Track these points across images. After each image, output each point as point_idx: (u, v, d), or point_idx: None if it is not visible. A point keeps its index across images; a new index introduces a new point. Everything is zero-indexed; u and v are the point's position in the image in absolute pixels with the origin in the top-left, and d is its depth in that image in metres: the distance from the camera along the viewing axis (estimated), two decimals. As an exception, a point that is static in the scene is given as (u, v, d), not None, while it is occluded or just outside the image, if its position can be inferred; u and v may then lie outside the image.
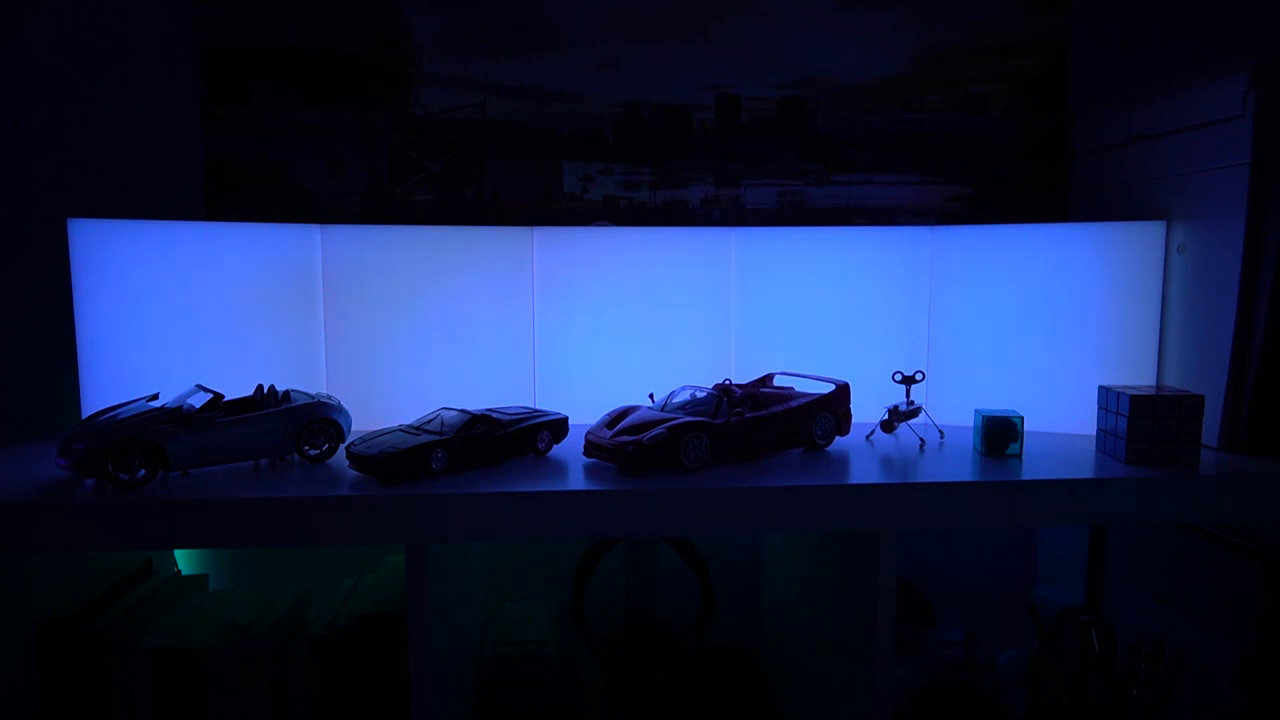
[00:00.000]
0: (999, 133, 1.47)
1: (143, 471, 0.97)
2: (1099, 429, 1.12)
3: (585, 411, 1.19)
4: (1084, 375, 1.20)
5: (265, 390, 1.10)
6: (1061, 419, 1.21)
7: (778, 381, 1.23)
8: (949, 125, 1.47)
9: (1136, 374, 1.20)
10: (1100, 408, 1.11)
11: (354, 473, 1.02)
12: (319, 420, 1.08)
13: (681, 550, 1.30)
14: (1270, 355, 1.06)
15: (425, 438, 1.02)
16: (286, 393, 1.10)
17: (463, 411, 1.08)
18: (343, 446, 1.07)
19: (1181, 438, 1.03)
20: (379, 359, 1.24)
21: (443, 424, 1.06)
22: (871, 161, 1.47)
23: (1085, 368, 1.20)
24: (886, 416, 1.18)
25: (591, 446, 1.06)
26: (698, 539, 1.32)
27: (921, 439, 1.18)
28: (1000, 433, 1.10)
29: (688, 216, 1.46)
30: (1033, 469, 1.04)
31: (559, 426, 1.13)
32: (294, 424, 1.07)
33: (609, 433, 1.06)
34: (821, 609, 1.18)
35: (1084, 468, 1.04)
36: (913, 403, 1.18)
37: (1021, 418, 1.10)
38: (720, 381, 1.17)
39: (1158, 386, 1.14)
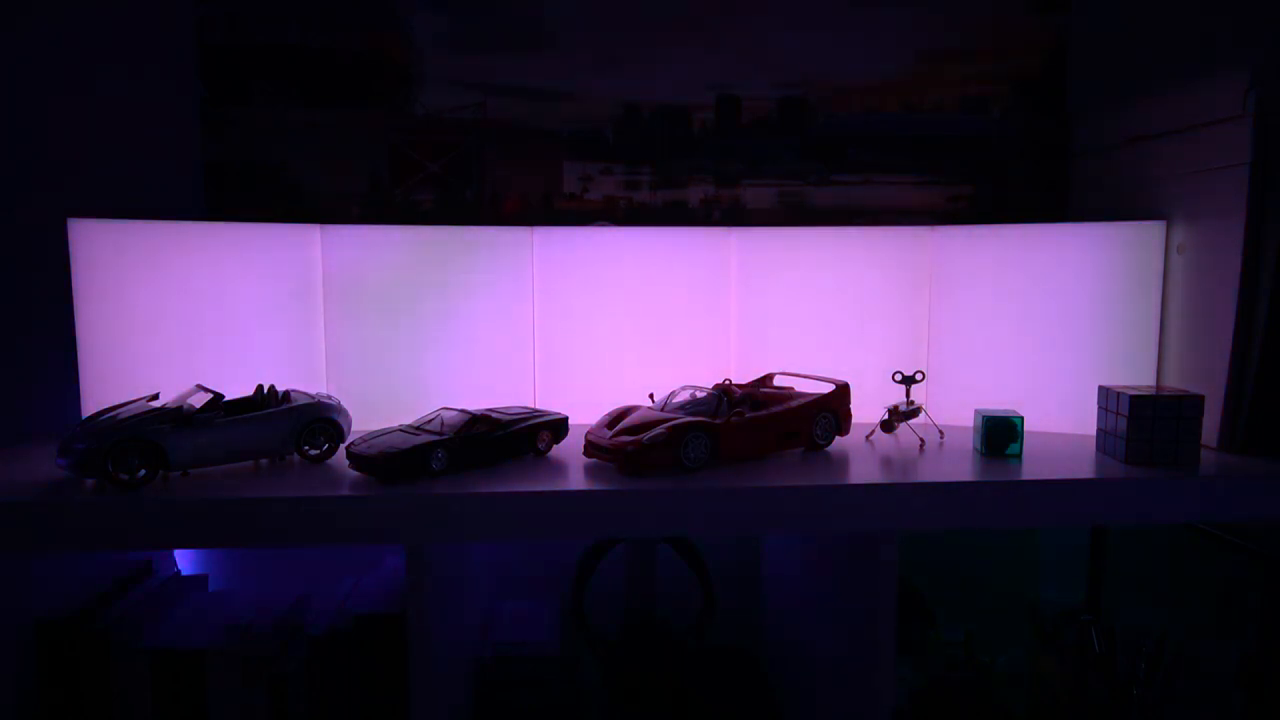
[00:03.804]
0: (999, 133, 1.47)
1: (143, 471, 0.97)
2: (1099, 429, 1.12)
3: (585, 411, 1.19)
4: (1084, 375, 1.20)
5: (265, 390, 1.10)
6: (1061, 419, 1.21)
7: (778, 381, 1.23)
8: (949, 125, 1.47)
9: (1136, 374, 1.20)
10: (1100, 408, 1.11)
11: (354, 473, 1.02)
12: (319, 420, 1.08)
13: (681, 550, 1.30)
14: (1270, 355, 1.06)
15: (425, 438, 1.02)
16: (286, 393, 1.10)
17: (463, 411, 1.08)
18: (343, 446, 1.07)
19: (1181, 438, 1.03)
20: (379, 359, 1.24)
21: (443, 424, 1.06)
22: (871, 161, 1.47)
23: (1085, 368, 1.20)
24: (886, 416, 1.18)
25: (591, 446, 1.06)
26: (698, 539, 1.32)
27: (921, 439, 1.18)
28: (1000, 433, 1.10)
29: (688, 216, 1.46)
30: (1033, 469, 1.04)
31: (559, 426, 1.13)
32: (294, 424, 1.07)
33: (609, 433, 1.06)
34: (821, 609, 1.18)
35: (1084, 468, 1.04)
36: (913, 403, 1.18)
37: (1021, 418, 1.10)
38: (720, 381, 1.17)
39: (1158, 386, 1.14)
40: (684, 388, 1.14)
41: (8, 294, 1.29)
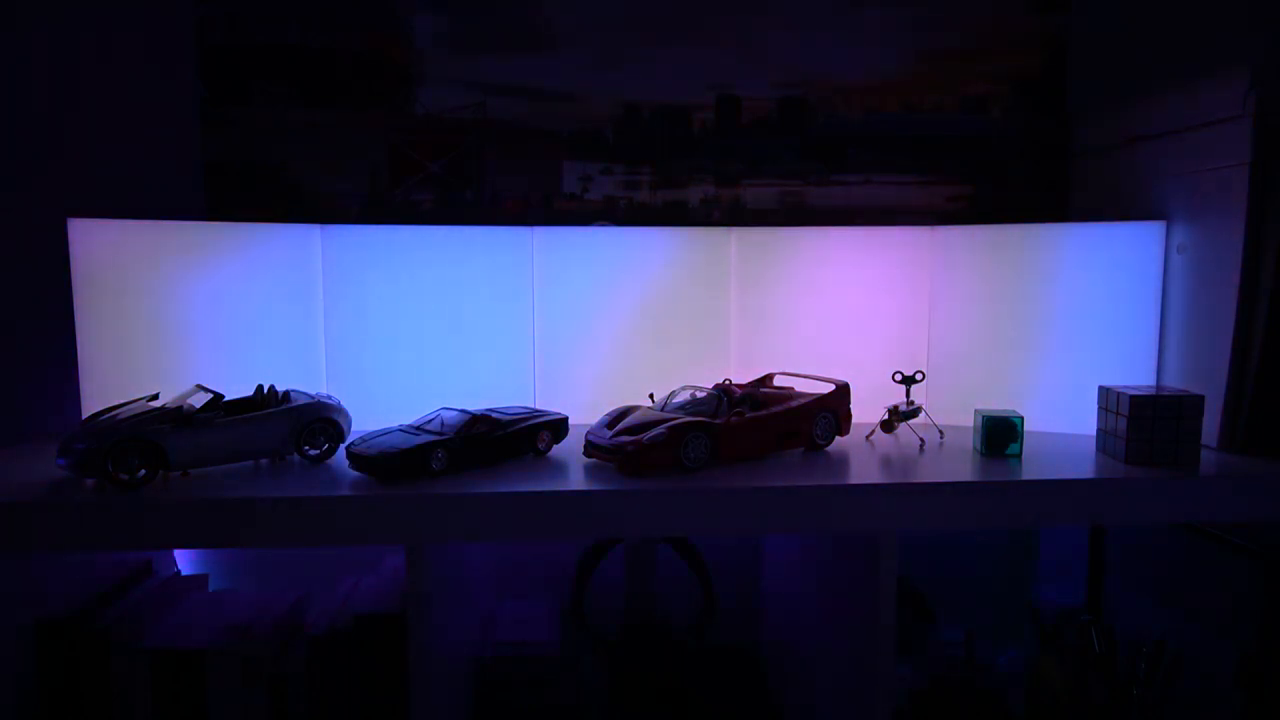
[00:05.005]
0: (999, 133, 1.47)
1: (143, 471, 0.97)
2: (1099, 429, 1.12)
3: (585, 411, 1.19)
4: (1084, 375, 1.20)
5: (265, 390, 1.10)
6: (1061, 419, 1.21)
7: (778, 381, 1.23)
8: (949, 125, 1.47)
9: (1136, 374, 1.20)
10: (1100, 408, 1.11)
11: (354, 473, 1.02)
12: (319, 420, 1.08)
13: (681, 550, 1.30)
14: (1270, 355, 1.06)
15: (425, 438, 1.02)
16: (286, 393, 1.10)
17: (463, 411, 1.08)
18: (343, 446, 1.07)
19: (1181, 438, 1.03)
20: (379, 359, 1.24)
21: (443, 424, 1.06)
22: (871, 161, 1.47)
23: (1085, 368, 1.20)
24: (886, 416, 1.18)
25: (591, 446, 1.06)
26: (698, 539, 1.32)
27: (921, 439, 1.18)
28: (1000, 433, 1.10)
29: (688, 216, 1.46)
30: (1033, 469, 1.04)
31: (559, 426, 1.13)
32: (294, 424, 1.07)
33: (609, 433, 1.06)
34: (821, 609, 1.18)
35: (1084, 468, 1.04)
36: (913, 403, 1.18)
37: (1021, 418, 1.10)
38: (720, 381, 1.17)
39: (1158, 386, 1.14)
40: (684, 388, 1.14)
41: (8, 294, 1.29)
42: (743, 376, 1.26)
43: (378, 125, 1.42)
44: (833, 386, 1.16)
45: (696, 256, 1.29)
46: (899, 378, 1.19)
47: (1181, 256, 1.17)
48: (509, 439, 1.07)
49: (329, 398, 1.12)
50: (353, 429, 1.13)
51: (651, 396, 1.15)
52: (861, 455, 1.12)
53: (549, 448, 1.12)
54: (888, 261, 1.29)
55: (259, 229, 1.21)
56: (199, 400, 1.03)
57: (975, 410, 1.14)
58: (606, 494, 0.96)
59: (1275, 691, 1.06)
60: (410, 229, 1.26)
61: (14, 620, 1.08)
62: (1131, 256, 1.20)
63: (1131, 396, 1.04)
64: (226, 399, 1.05)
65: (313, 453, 1.08)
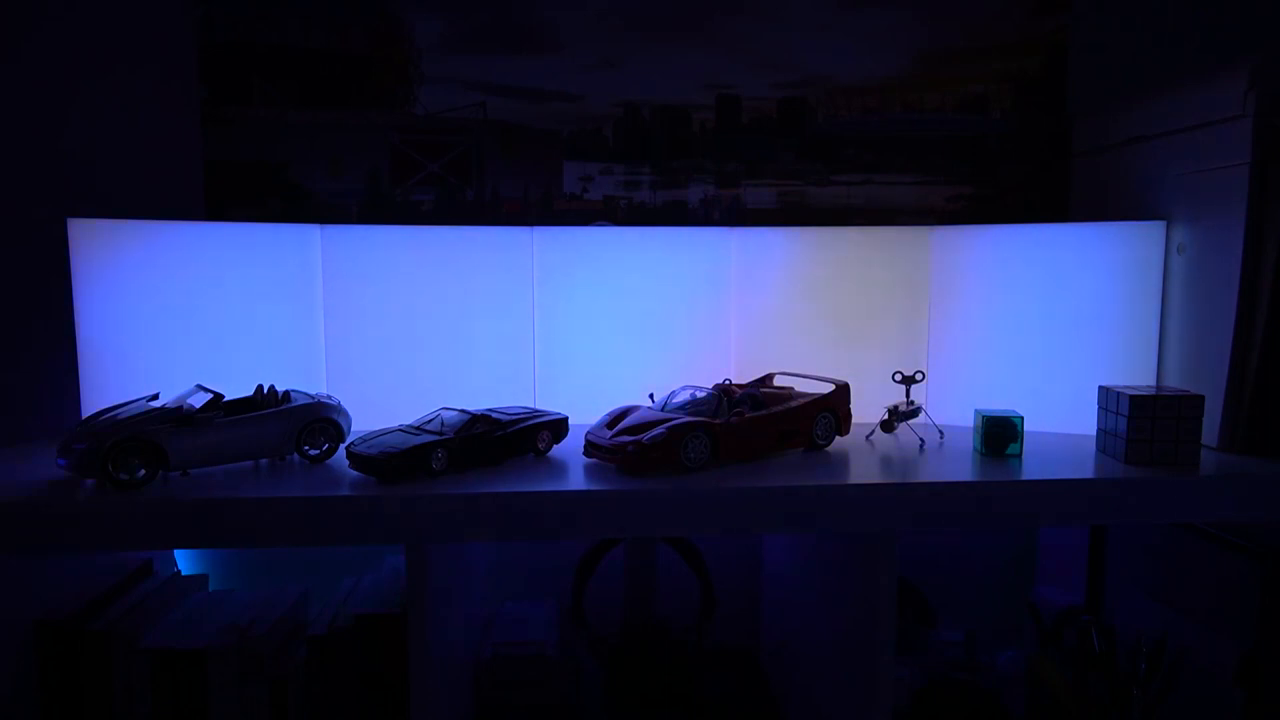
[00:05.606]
0: (999, 133, 1.47)
1: (143, 471, 0.97)
2: (1099, 429, 1.12)
3: (585, 411, 1.19)
4: (1084, 375, 1.20)
5: (265, 390, 1.10)
6: (1061, 419, 1.21)
7: (778, 381, 1.23)
8: (949, 125, 1.47)
9: (1136, 374, 1.20)
10: (1100, 408, 1.11)
11: (354, 473, 1.02)
12: (319, 420, 1.08)
13: (681, 550, 1.30)
14: (1270, 355, 1.06)
15: (425, 438, 1.02)
16: (286, 393, 1.10)
17: (463, 411, 1.08)
18: (343, 446, 1.07)
19: (1181, 438, 1.03)
20: (379, 359, 1.24)
21: (443, 424, 1.06)
22: (871, 161, 1.47)
23: (1085, 368, 1.20)
24: (886, 416, 1.18)
25: (591, 446, 1.06)
26: (698, 539, 1.32)
27: (921, 439, 1.18)
28: (1000, 433, 1.10)
29: (688, 216, 1.46)
30: (1033, 469, 1.04)
31: (559, 426, 1.13)
32: (294, 424, 1.07)
33: (609, 433, 1.06)
34: (821, 609, 1.18)
35: (1084, 468, 1.04)
36: (913, 403, 1.18)
37: (1021, 418, 1.10)
38: (720, 381, 1.17)
39: (1158, 386, 1.14)
40: (684, 388, 1.14)
41: (8, 294, 1.29)
42: (743, 376, 1.26)
43: (378, 125, 1.42)
44: (832, 386, 1.16)
45: (696, 256, 1.29)
46: (899, 378, 1.19)
47: (1181, 256, 1.17)
48: (509, 439, 1.07)
49: (329, 398, 1.12)
50: (353, 429, 1.13)
51: (651, 396, 1.15)
52: (861, 455, 1.12)
53: (549, 448, 1.12)
54: (888, 261, 1.29)
55: (259, 229, 1.21)
56: (199, 400, 1.03)
57: (975, 410, 1.14)
58: (606, 494, 0.96)
59: (1275, 691, 1.06)
60: (410, 229, 1.26)
61: (14, 620, 1.08)
62: (1131, 256, 1.20)
63: (1131, 396, 1.04)
64: (226, 399, 1.05)
65: (313, 453, 1.08)
